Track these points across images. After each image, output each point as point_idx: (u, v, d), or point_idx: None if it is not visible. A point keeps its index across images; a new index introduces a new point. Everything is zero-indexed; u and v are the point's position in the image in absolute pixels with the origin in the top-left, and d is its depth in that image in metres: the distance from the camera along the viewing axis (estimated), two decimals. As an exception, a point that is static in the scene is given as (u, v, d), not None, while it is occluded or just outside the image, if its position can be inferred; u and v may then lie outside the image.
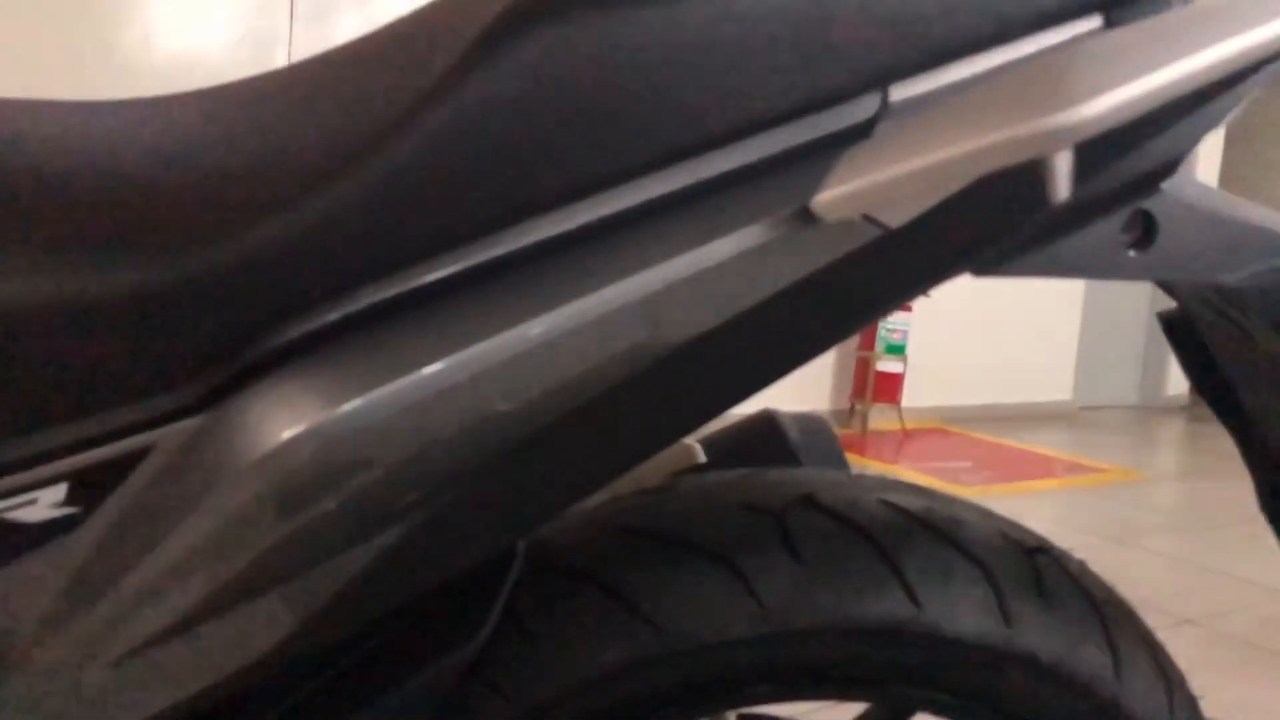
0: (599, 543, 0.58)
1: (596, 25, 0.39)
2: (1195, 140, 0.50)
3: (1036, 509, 3.68)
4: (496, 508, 0.45)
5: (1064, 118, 0.35)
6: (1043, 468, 4.45)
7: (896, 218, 0.43)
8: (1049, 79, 0.37)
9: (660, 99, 0.40)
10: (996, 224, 0.43)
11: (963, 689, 0.59)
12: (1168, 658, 0.66)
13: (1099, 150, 0.44)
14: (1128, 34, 0.39)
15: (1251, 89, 0.49)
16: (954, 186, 0.41)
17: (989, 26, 0.43)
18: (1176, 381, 6.31)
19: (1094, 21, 0.46)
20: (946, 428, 5.19)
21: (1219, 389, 0.68)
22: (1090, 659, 0.60)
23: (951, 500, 0.65)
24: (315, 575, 0.43)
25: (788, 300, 0.43)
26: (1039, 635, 0.59)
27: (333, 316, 0.41)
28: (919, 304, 4.96)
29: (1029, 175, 0.38)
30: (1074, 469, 4.46)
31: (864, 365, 4.87)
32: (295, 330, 0.41)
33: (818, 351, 0.46)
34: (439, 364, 0.41)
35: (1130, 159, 0.47)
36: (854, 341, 4.96)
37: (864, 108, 0.44)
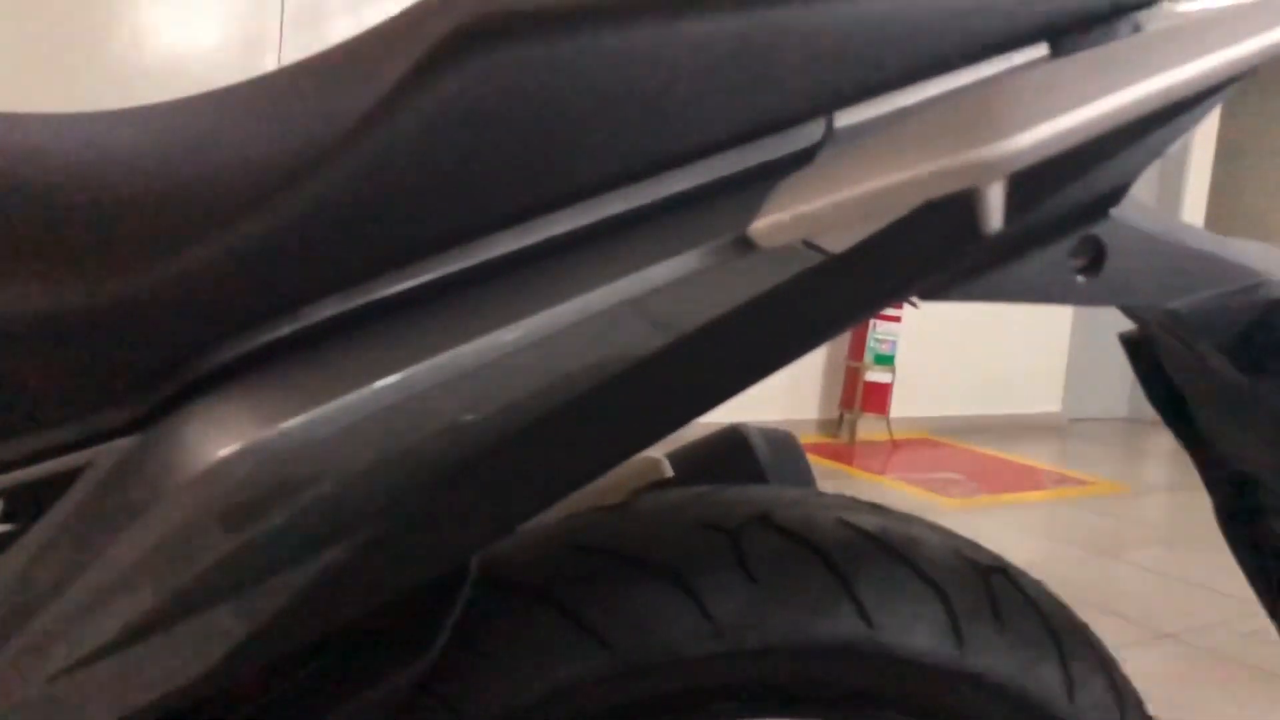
0: (553, 560, 0.58)
1: (539, 49, 0.39)
2: (1143, 167, 0.50)
3: (1022, 521, 3.68)
4: (444, 525, 0.45)
5: (993, 151, 0.36)
6: (1030, 480, 4.46)
7: (838, 244, 0.43)
8: (981, 112, 0.37)
9: (601, 124, 0.40)
10: (936, 252, 0.43)
11: (915, 709, 0.60)
12: (1124, 678, 0.66)
13: (1045, 177, 0.45)
14: (1065, 66, 0.40)
15: (1202, 115, 0.50)
16: (890, 216, 0.41)
17: (934, 55, 0.44)
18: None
19: (1040, 50, 0.47)
20: (935, 438, 5.20)
21: (1177, 409, 0.68)
22: (1044, 679, 0.60)
23: (909, 519, 0.65)
24: (257, 592, 0.43)
25: (731, 324, 0.43)
26: (992, 655, 0.59)
27: (273, 335, 0.41)
28: (908, 315, 4.98)
29: (964, 205, 0.39)
30: (1061, 481, 4.47)
31: (853, 375, 4.87)
32: (236, 348, 0.41)
33: (763, 374, 0.46)
34: (381, 382, 0.41)
35: (1078, 186, 0.48)
36: (843, 351, 4.96)
37: (809, 134, 0.44)
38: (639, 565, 0.57)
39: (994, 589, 0.61)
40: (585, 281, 0.41)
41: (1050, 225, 0.48)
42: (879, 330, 4.80)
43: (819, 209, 0.39)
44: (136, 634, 0.43)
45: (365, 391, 0.41)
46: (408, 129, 0.38)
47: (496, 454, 0.44)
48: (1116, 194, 0.49)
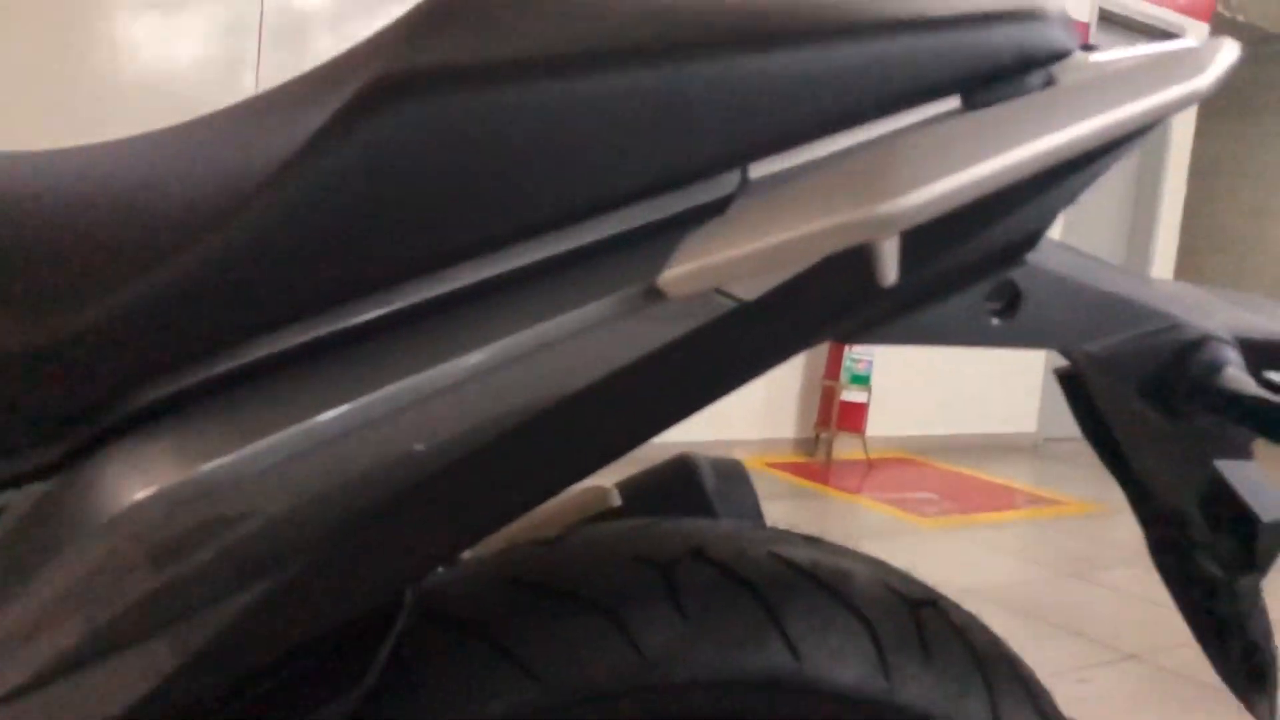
0: (488, 594, 0.59)
1: (454, 103, 0.40)
2: (1056, 213, 0.51)
3: (995, 540, 3.70)
4: (371, 561, 0.46)
5: (886, 208, 0.37)
6: (1004, 499, 4.48)
7: (749, 291, 0.44)
8: (876, 169, 0.38)
9: (512, 176, 0.41)
10: (843, 300, 0.44)
11: (843, 741, 0.60)
12: (1054, 709, 0.67)
13: (949, 229, 0.46)
14: (963, 123, 0.41)
15: (1117, 159, 0.51)
16: (794, 267, 0.43)
17: (845, 108, 0.45)
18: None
19: (953, 102, 0.48)
20: (911, 457, 5.22)
21: (1110, 444, 0.69)
22: (970, 712, 0.61)
23: (842, 552, 0.66)
24: (181, 629, 0.44)
25: (647, 369, 0.44)
26: (918, 688, 0.60)
27: (195, 378, 0.41)
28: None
29: (864, 257, 0.40)
30: (1035, 501, 4.50)
31: (829, 394, 4.89)
32: (157, 391, 0.41)
33: (682, 415, 0.47)
34: (301, 425, 0.42)
35: (990, 233, 0.49)
36: (819, 370, 4.99)
37: (724, 184, 0.45)
38: (571, 599, 0.58)
39: (922, 622, 0.62)
40: (497, 329, 0.42)
41: (964, 271, 0.50)
42: (855, 350, 4.83)
43: (724, 261, 0.40)
44: (58, 671, 0.43)
45: (287, 433, 0.42)
46: (324, 177, 0.39)
47: (420, 492, 0.45)
48: (1031, 240, 0.51)
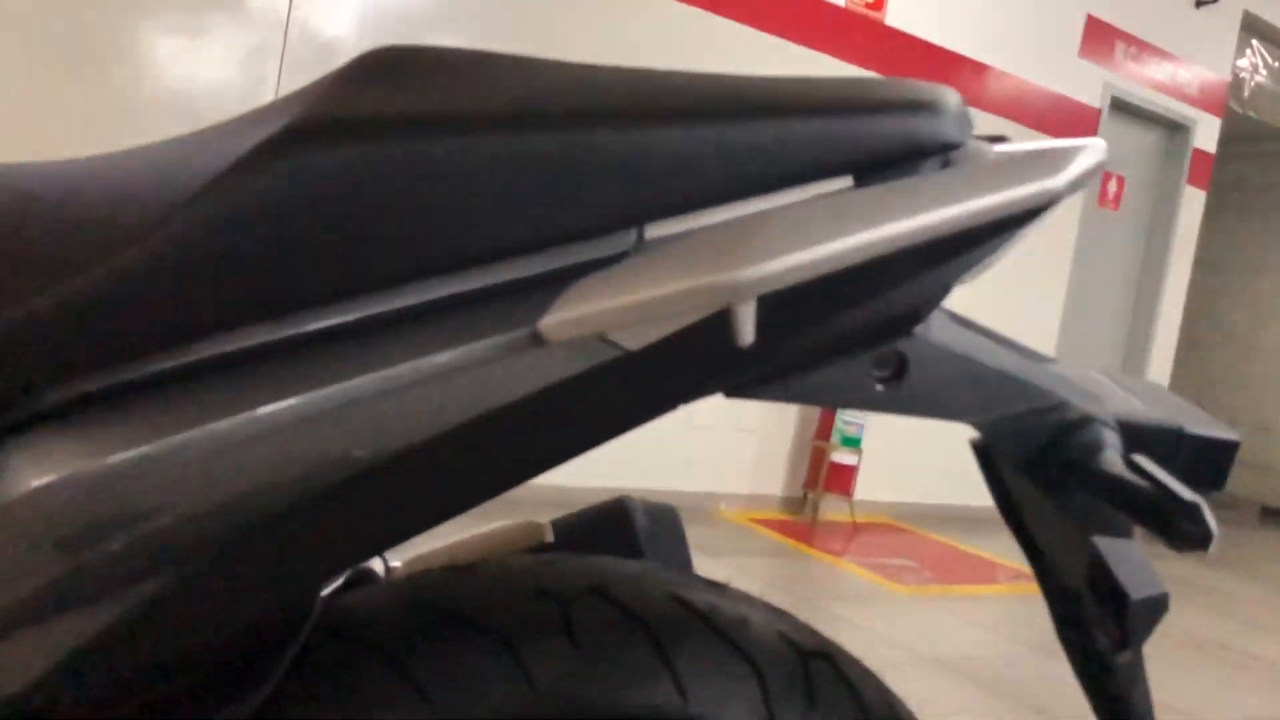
0: (391, 615, 0.61)
1: (357, 151, 0.43)
2: (946, 291, 0.54)
3: (971, 613, 3.70)
4: (258, 570, 0.49)
5: (742, 275, 0.40)
6: (985, 573, 4.48)
7: (633, 341, 0.47)
8: (740, 238, 0.42)
9: (411, 221, 0.44)
10: (723, 358, 0.47)
11: (723, 783, 0.62)
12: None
13: (828, 296, 0.49)
14: (831, 201, 0.44)
15: (1000, 246, 0.54)
16: (665, 321, 0.46)
17: (738, 182, 0.48)
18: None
19: (845, 182, 0.51)
20: (896, 524, 5.22)
21: (1018, 520, 0.72)
22: (852, 764, 0.63)
23: (744, 599, 0.68)
24: (78, 614, 0.46)
25: (530, 408, 0.47)
26: (801, 736, 0.62)
27: (98, 383, 0.45)
28: (877, 399, 5.02)
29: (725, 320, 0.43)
30: (1016, 577, 4.49)
31: (819, 455, 4.91)
32: (62, 393, 0.45)
33: (566, 457, 0.50)
34: (198, 430, 0.45)
35: (873, 304, 0.52)
36: (810, 430, 5.00)
37: (621, 241, 0.49)
38: (470, 626, 0.61)
39: (812, 672, 0.65)
40: (384, 359, 0.46)
41: (848, 338, 0.53)
42: (847, 413, 4.85)
43: (597, 311, 0.44)
44: None
45: (189, 435, 0.45)
46: (230, 207, 0.43)
47: (314, 503, 0.48)
48: (914, 315, 0.54)
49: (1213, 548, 0.50)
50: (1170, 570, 5.13)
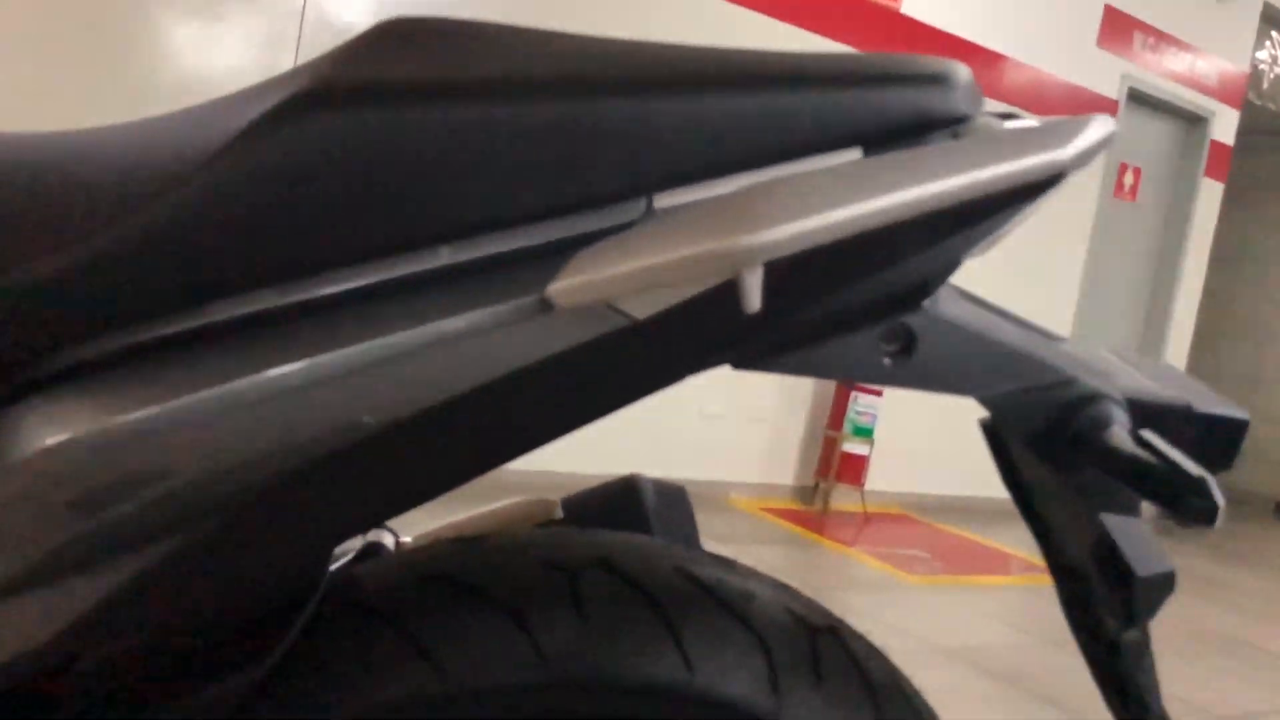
0: (401, 584, 0.62)
1: (366, 117, 0.44)
2: (954, 265, 0.54)
3: (982, 604, 3.69)
4: (269, 533, 0.49)
5: (748, 241, 0.40)
6: (997, 564, 4.47)
7: (641, 310, 0.47)
8: (747, 205, 0.42)
9: (417, 189, 0.45)
10: (730, 328, 0.47)
11: (729, 755, 0.63)
12: (947, 746, 0.69)
13: (837, 267, 0.49)
14: (837, 170, 0.44)
15: (1005, 222, 0.54)
16: (673, 288, 0.46)
17: (748, 151, 0.48)
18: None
19: (854, 154, 0.52)
20: (908, 514, 5.22)
21: (1025, 497, 0.72)
22: (857, 738, 0.64)
23: (750, 574, 0.69)
24: (87, 576, 0.47)
25: (538, 376, 0.47)
26: (807, 710, 0.62)
27: (112, 345, 0.45)
28: (889, 389, 5.01)
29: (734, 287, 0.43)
30: (1029, 569, 4.48)
31: (830, 445, 4.90)
32: (76, 355, 0.45)
33: (575, 425, 0.50)
34: (211, 392, 0.46)
35: (882, 277, 0.52)
36: (821, 420, 5.00)
37: (630, 210, 0.49)
38: (481, 596, 0.61)
39: (819, 647, 0.65)
40: (393, 324, 0.46)
41: (857, 312, 0.53)
42: (860, 402, 4.84)
43: (605, 277, 0.44)
44: None
45: (201, 396, 0.46)
46: (237, 173, 0.43)
47: (324, 466, 0.48)
48: (923, 288, 0.54)
49: (1218, 520, 0.50)
50: (1182, 565, 5.11)
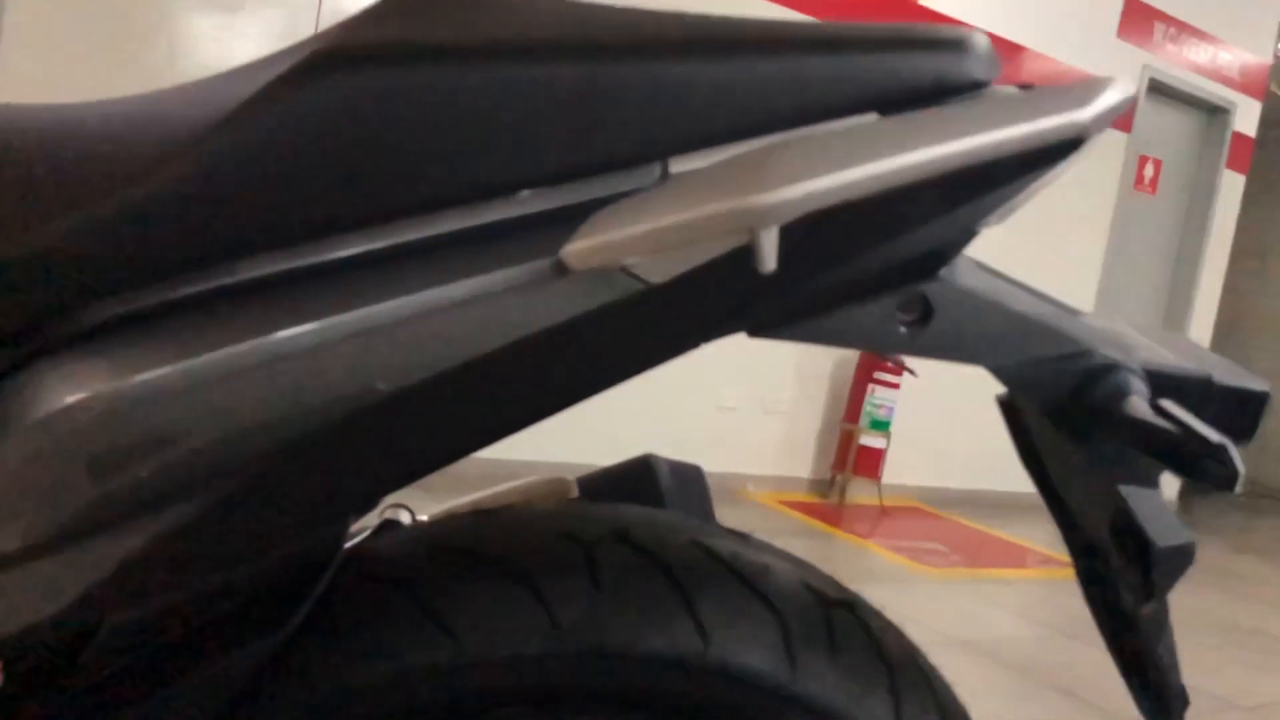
0: (417, 555, 0.62)
1: (384, 78, 0.44)
2: (971, 233, 0.54)
3: (999, 596, 3.68)
4: (291, 493, 0.49)
5: (761, 200, 0.40)
6: (1015, 557, 4.45)
7: (655, 275, 0.47)
8: (760, 165, 0.42)
9: (433, 150, 0.45)
10: (744, 293, 0.47)
11: (744, 726, 0.63)
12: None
13: (854, 231, 0.49)
14: (851, 131, 0.44)
15: (1023, 189, 0.54)
16: (687, 250, 0.46)
17: (764, 115, 0.48)
18: (1165, 482, 6.29)
19: (871, 118, 0.51)
20: (925, 508, 5.20)
21: (1041, 473, 0.72)
22: (873, 711, 0.63)
23: (766, 548, 0.68)
24: (106, 541, 0.47)
25: (551, 341, 0.47)
26: (822, 683, 0.62)
27: (130, 305, 0.46)
28: (906, 382, 5.00)
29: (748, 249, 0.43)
30: (1046, 562, 4.46)
31: (847, 438, 4.89)
32: (94, 315, 0.45)
33: (587, 393, 0.50)
34: (218, 353, 0.46)
35: (898, 244, 0.52)
36: (838, 413, 4.99)
37: (646, 175, 0.49)
38: (498, 567, 0.61)
39: (834, 621, 0.65)
40: (405, 287, 0.46)
41: (873, 279, 0.53)
42: (876, 395, 4.83)
43: (620, 239, 0.44)
44: None
45: (219, 355, 0.46)
46: (253, 134, 0.43)
47: (341, 429, 0.48)
48: (940, 256, 0.54)
49: (1239, 485, 0.50)
50: (1202, 557, 5.08)
